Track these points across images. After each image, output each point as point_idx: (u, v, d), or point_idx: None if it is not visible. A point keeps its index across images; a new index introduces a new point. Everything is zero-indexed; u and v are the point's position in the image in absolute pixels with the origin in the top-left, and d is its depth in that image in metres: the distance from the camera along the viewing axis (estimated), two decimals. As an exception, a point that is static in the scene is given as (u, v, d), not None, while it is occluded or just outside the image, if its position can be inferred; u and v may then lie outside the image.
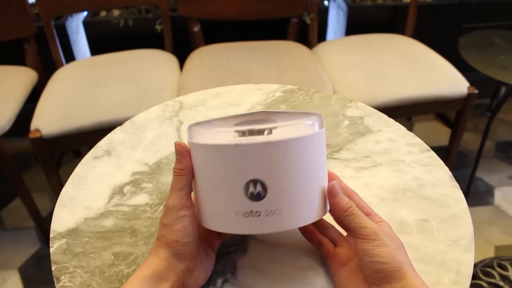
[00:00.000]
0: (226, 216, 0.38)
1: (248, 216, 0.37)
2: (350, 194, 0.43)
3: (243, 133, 0.38)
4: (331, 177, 0.43)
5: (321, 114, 0.41)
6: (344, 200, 0.41)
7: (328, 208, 0.42)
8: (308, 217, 0.40)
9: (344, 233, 0.45)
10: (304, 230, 0.46)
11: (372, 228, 0.39)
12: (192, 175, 0.41)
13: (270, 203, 0.37)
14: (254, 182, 0.37)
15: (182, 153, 0.40)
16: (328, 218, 0.47)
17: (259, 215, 0.37)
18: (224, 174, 0.38)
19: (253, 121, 0.40)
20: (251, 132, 0.38)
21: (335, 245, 0.45)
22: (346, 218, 0.40)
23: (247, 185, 0.37)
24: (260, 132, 0.38)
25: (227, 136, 0.39)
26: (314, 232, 0.46)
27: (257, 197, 0.37)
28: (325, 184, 0.41)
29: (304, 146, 0.38)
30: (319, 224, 0.46)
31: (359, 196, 0.44)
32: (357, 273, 0.41)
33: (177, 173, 0.40)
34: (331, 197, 0.41)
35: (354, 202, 0.41)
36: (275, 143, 0.37)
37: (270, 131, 0.38)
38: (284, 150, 0.37)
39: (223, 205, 0.38)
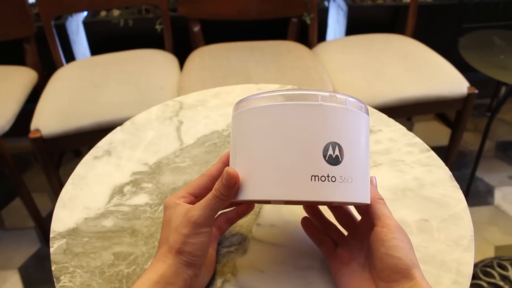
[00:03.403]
0: (300, 180, 0.36)
1: (324, 180, 0.36)
2: None
3: (325, 98, 0.38)
4: None
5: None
6: (378, 191, 0.42)
7: None
8: (367, 196, 0.40)
9: (346, 233, 0.45)
10: (307, 226, 0.46)
11: (396, 222, 0.40)
12: (226, 204, 0.40)
13: (345, 170, 0.37)
14: (334, 145, 0.37)
15: (232, 183, 0.38)
16: (331, 217, 0.47)
17: (334, 181, 0.36)
18: (303, 134, 0.37)
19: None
20: (333, 98, 0.38)
21: (336, 245, 0.45)
22: (376, 205, 0.40)
23: (326, 147, 0.37)
24: (342, 100, 0.38)
25: (306, 99, 0.38)
26: (317, 229, 0.46)
27: (334, 161, 0.37)
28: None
29: (366, 125, 0.40)
30: (323, 222, 0.46)
31: None
32: (360, 272, 0.41)
33: (222, 197, 0.38)
34: (371, 184, 0.42)
35: None
36: (353, 112, 0.38)
37: (348, 102, 0.39)
38: (358, 122, 0.39)
39: (297, 169, 0.37)
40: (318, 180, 0.36)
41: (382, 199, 0.41)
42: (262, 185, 0.38)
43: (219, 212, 0.47)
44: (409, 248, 0.39)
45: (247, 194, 0.39)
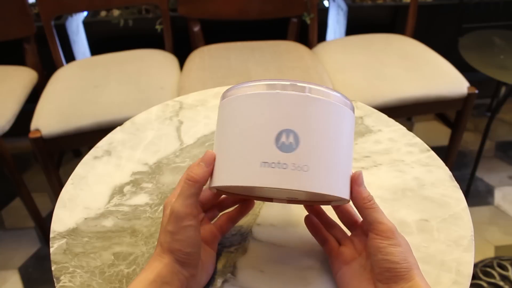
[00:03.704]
0: (251, 166, 0.37)
1: (274, 167, 0.36)
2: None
3: (284, 87, 0.38)
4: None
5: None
6: (367, 191, 0.40)
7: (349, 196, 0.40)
8: (332, 188, 0.38)
9: (349, 232, 0.45)
10: (310, 224, 0.46)
11: (389, 225, 0.39)
12: (202, 187, 0.40)
13: (299, 157, 0.37)
14: (288, 132, 0.37)
15: (208, 162, 0.39)
16: (334, 217, 0.47)
17: (285, 168, 0.36)
18: (258, 122, 0.38)
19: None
20: (293, 87, 0.38)
21: (339, 244, 0.45)
22: (366, 210, 0.40)
23: (279, 135, 0.37)
24: (302, 88, 0.38)
25: (267, 88, 0.39)
26: (320, 228, 0.46)
27: (287, 148, 0.37)
28: (350, 169, 0.41)
29: (339, 115, 0.39)
30: (325, 221, 0.46)
31: None
32: (360, 272, 0.41)
33: (192, 178, 0.39)
34: (356, 185, 0.40)
35: None
36: (316, 99, 0.38)
37: (311, 90, 0.38)
38: (323, 110, 0.38)
39: (250, 155, 0.37)
40: (268, 167, 0.37)
41: (370, 201, 0.40)
42: (222, 173, 0.39)
43: (220, 213, 0.47)
44: (407, 250, 0.39)
45: (213, 181, 0.40)
